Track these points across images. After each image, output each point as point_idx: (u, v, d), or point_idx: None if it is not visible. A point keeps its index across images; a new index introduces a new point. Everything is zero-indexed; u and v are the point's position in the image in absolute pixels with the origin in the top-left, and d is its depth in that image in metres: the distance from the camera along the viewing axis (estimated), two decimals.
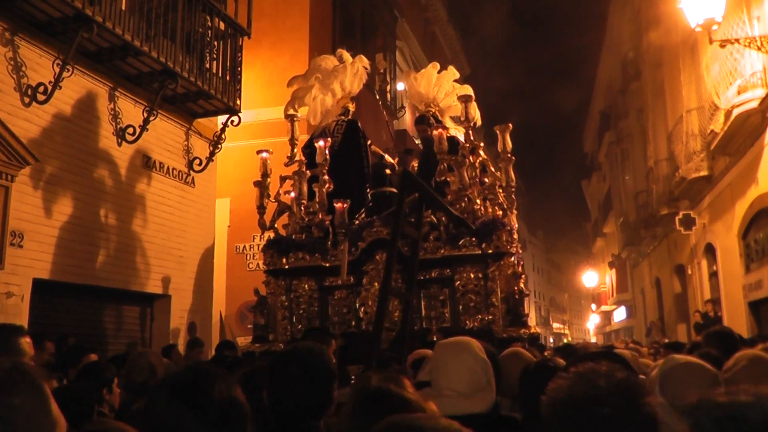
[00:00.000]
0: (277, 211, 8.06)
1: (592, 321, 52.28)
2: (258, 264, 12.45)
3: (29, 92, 7.56)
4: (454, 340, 2.92)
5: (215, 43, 10.21)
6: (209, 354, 8.97)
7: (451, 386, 2.61)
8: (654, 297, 23.38)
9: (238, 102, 10.48)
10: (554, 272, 70.83)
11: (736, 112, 10.78)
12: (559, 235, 73.90)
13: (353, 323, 7.02)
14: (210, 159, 10.62)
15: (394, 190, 8.25)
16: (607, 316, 39.32)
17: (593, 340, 47.12)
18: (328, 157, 7.62)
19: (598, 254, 40.99)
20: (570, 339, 56.75)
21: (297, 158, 8.05)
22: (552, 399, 1.73)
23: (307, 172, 7.79)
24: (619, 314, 33.14)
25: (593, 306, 45.21)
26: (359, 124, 8.54)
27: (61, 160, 8.09)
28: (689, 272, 17.58)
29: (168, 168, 9.99)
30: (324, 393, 2.41)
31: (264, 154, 7.97)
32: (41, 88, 7.63)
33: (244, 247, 13.17)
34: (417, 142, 12.80)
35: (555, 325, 64.07)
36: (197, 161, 10.48)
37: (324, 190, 7.53)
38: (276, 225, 7.97)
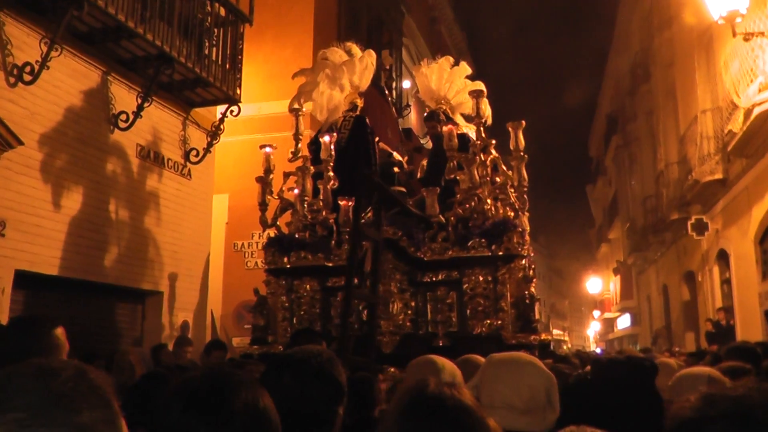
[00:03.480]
0: (280, 208, 7.80)
1: (593, 328, 51.92)
2: (257, 262, 12.09)
3: (15, 72, 7.14)
4: (512, 354, 2.67)
5: (215, 29, 9.79)
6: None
7: (507, 401, 2.33)
8: (661, 304, 22.95)
9: (238, 91, 10.05)
10: (555, 278, 70.48)
11: (756, 110, 10.37)
12: (561, 240, 73.52)
13: (356, 326, 6.67)
14: (207, 150, 10.19)
15: (403, 189, 7.96)
16: (610, 323, 38.90)
17: (594, 347, 46.79)
18: (333, 153, 7.30)
19: (602, 260, 40.58)
20: (570, 346, 56.38)
21: (301, 154, 7.71)
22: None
23: (312, 168, 7.46)
24: (623, 321, 32.70)
25: (596, 313, 44.79)
26: (367, 121, 8.18)
27: (48, 145, 7.67)
28: (699, 279, 17.14)
29: (163, 158, 9.57)
30: (326, 413, 1.98)
31: (267, 149, 7.73)
32: (28, 68, 7.20)
33: (243, 244, 12.77)
34: (423, 141, 12.45)
35: (555, 331, 63.58)
36: (194, 152, 10.06)
37: (329, 187, 7.23)
38: (278, 222, 7.66)
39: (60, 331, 2.88)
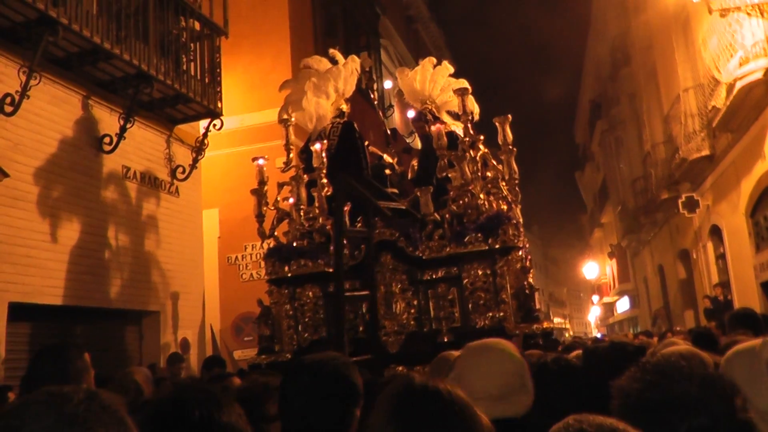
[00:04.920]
0: (277, 218, 7.78)
1: (593, 313, 52.05)
2: (251, 274, 12.05)
3: None
4: (484, 341, 2.68)
5: (191, 44, 9.73)
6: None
7: (485, 389, 2.35)
8: (658, 285, 23.01)
9: (219, 105, 9.98)
10: (552, 267, 70.65)
11: (738, 85, 10.41)
12: (555, 229, 73.81)
13: (361, 328, 6.65)
14: (193, 166, 10.12)
15: (395, 190, 7.97)
16: (609, 307, 39.01)
17: (595, 332, 46.88)
18: (325, 160, 7.29)
19: (596, 245, 40.71)
20: (571, 333, 56.47)
21: (293, 163, 7.70)
22: (625, 405, 1.43)
23: (305, 176, 7.45)
24: (622, 305, 32.80)
25: (595, 298, 44.89)
26: (355, 125, 8.18)
27: (33, 175, 7.57)
28: (694, 256, 17.20)
29: (149, 178, 9.50)
30: (342, 413, 2.11)
31: (260, 161, 7.69)
32: (8, 99, 7.08)
33: (236, 257, 12.70)
34: (408, 140, 12.42)
35: (556, 320, 63.77)
36: (180, 169, 9.99)
37: (323, 194, 7.20)
38: (276, 233, 7.64)
39: (87, 356, 3.16)
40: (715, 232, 14.98)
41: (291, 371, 2.30)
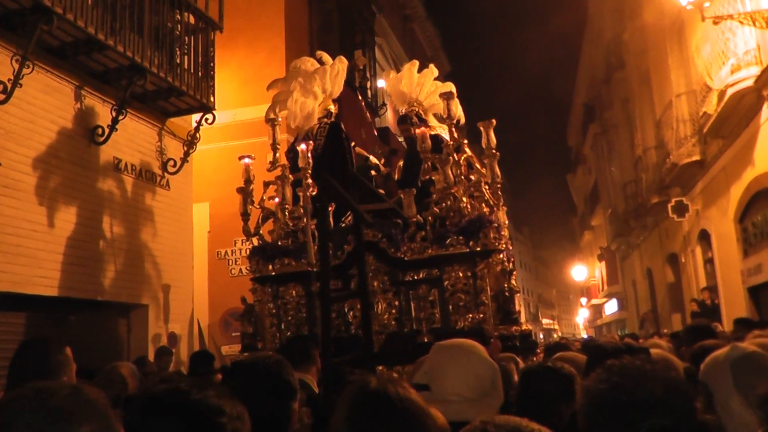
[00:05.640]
0: (262, 217, 7.81)
1: (581, 315, 52.30)
2: (241, 269, 12.06)
3: None
4: (457, 341, 2.69)
5: (186, 38, 9.76)
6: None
7: (457, 391, 2.38)
8: (646, 288, 23.15)
9: (212, 99, 10.00)
10: (542, 268, 70.90)
11: (730, 92, 10.52)
12: (545, 230, 74.06)
13: (342, 328, 6.71)
14: (185, 159, 10.15)
15: (381, 191, 8.03)
16: (597, 309, 39.16)
17: (584, 334, 47.08)
18: (310, 160, 7.34)
19: (586, 248, 40.87)
20: (560, 334, 56.70)
21: (279, 163, 7.75)
22: (591, 404, 1.49)
23: (290, 176, 7.49)
24: (610, 307, 32.94)
25: (583, 300, 45.05)
26: (342, 126, 8.23)
27: (24, 164, 7.59)
28: (682, 261, 17.33)
29: (141, 170, 9.53)
30: (276, 408, 2.30)
31: (246, 160, 7.70)
32: (0, 87, 7.12)
33: (226, 252, 12.72)
34: (400, 139, 12.48)
35: (544, 321, 64.14)
36: (171, 163, 10.01)
37: (308, 194, 7.23)
38: (261, 231, 7.67)
39: (68, 350, 3.20)
40: (704, 237, 15.10)
41: (230, 370, 2.51)
